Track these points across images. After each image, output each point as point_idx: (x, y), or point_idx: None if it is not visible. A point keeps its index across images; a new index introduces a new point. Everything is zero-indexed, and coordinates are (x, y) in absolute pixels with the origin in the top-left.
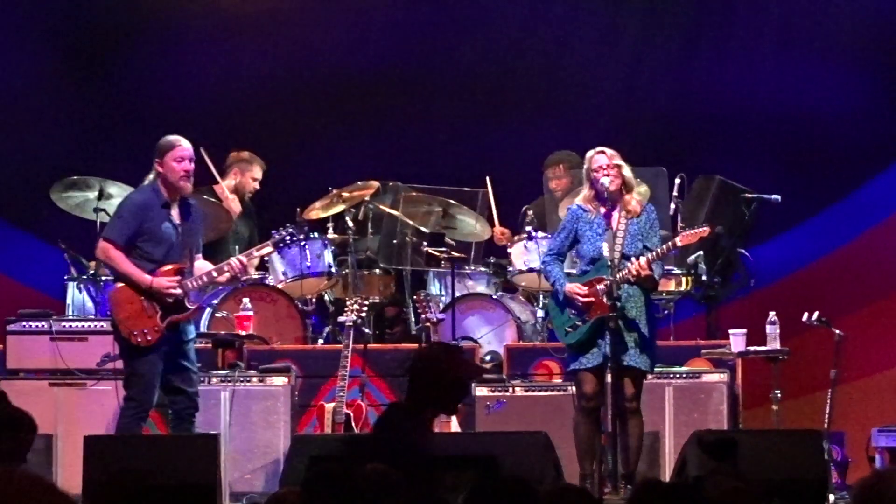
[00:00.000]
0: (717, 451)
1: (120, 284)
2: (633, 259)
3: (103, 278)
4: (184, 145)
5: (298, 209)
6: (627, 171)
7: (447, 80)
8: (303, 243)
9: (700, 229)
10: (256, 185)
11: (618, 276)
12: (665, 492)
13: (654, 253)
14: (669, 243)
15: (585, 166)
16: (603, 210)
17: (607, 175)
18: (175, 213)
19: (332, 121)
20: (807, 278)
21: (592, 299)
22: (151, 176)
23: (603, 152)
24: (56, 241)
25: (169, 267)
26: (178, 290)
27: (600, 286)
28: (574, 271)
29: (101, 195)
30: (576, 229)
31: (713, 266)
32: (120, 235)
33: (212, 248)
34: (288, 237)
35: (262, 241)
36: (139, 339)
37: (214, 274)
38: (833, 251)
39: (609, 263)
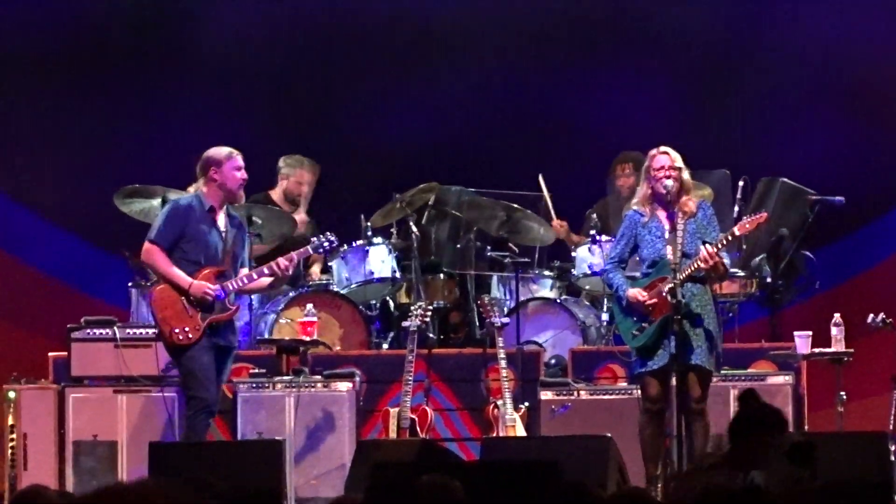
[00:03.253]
0: (797, 456)
1: (162, 285)
2: (701, 247)
3: None
4: (239, 155)
5: (363, 216)
6: (686, 174)
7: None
8: (366, 248)
9: (757, 215)
10: (305, 189)
11: (685, 270)
12: (731, 497)
13: (718, 242)
14: (729, 233)
15: (646, 164)
16: (660, 212)
17: (669, 176)
18: (221, 220)
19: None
20: (870, 280)
21: (656, 301)
22: (197, 185)
23: (667, 153)
24: (120, 249)
25: (209, 270)
26: (216, 291)
27: (663, 287)
28: (636, 275)
29: (164, 202)
30: (635, 234)
31: (777, 268)
32: (163, 238)
33: (280, 253)
34: (326, 243)
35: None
36: (180, 337)
37: (255, 276)
38: None
39: (671, 265)
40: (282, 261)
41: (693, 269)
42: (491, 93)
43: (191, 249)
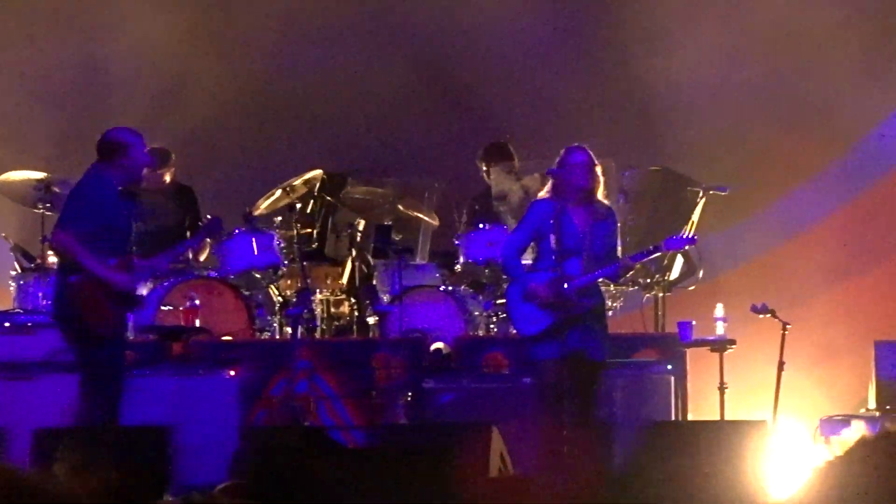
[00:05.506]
0: None
1: (78, 276)
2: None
3: (50, 267)
4: (142, 138)
5: (248, 208)
6: (599, 171)
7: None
8: (250, 235)
9: (687, 239)
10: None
11: (594, 272)
12: None
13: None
14: (655, 248)
15: (562, 158)
16: (572, 208)
17: (586, 174)
18: (128, 203)
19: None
20: (754, 269)
21: (556, 296)
22: (99, 168)
23: (585, 150)
24: None
25: (122, 258)
26: (135, 281)
27: (568, 284)
28: (528, 262)
29: (48, 188)
30: (541, 225)
31: (661, 257)
32: (76, 224)
33: (155, 239)
34: (213, 227)
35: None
36: (105, 329)
37: (164, 260)
38: (781, 243)
39: (581, 261)
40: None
41: (604, 275)
42: (378, 80)
43: (102, 233)
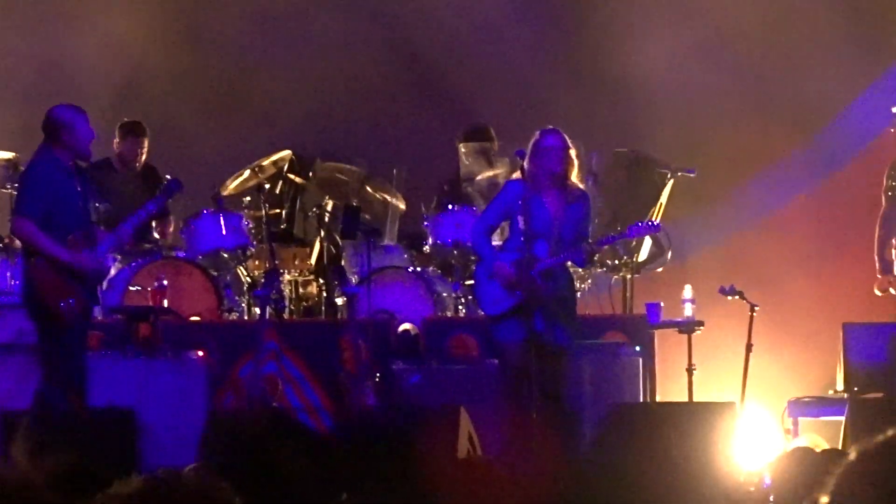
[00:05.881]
0: None
1: (39, 258)
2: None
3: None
4: (85, 114)
5: (216, 188)
6: (574, 154)
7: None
8: (218, 216)
9: (652, 226)
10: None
11: (561, 257)
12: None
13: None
14: (618, 235)
15: (535, 140)
16: (544, 191)
17: (559, 157)
18: (77, 180)
19: (247, 97)
20: (722, 251)
21: (520, 283)
22: (45, 148)
23: (559, 133)
24: None
25: (78, 235)
26: (98, 256)
27: (536, 266)
28: (498, 242)
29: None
30: (512, 205)
31: (629, 239)
32: (34, 209)
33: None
34: (171, 187)
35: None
36: (68, 309)
37: (122, 236)
38: (750, 225)
39: (548, 247)
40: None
41: (570, 258)
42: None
43: (59, 213)
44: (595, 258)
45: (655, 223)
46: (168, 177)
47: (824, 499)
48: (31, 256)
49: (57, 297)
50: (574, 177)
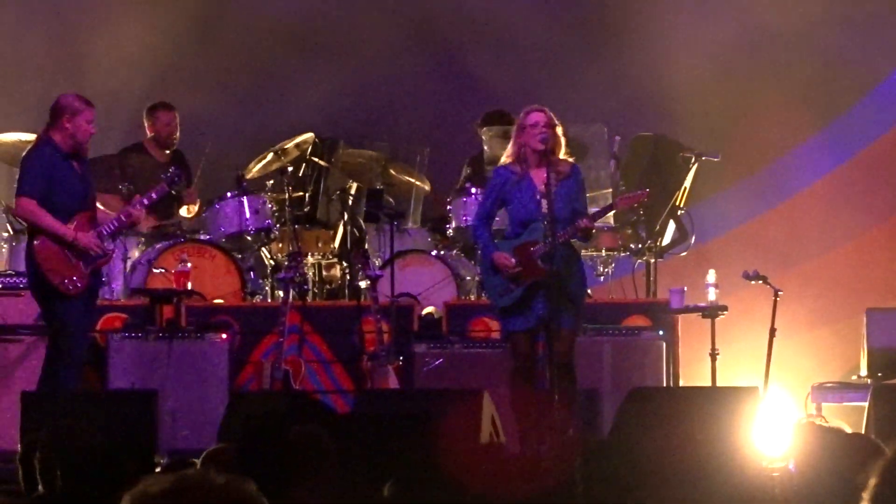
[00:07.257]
0: None
1: (41, 237)
2: (579, 221)
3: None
4: (93, 108)
5: (240, 171)
6: (560, 133)
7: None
8: (243, 199)
9: (639, 193)
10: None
11: (560, 237)
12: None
13: (595, 215)
14: (608, 206)
15: (520, 121)
16: (532, 171)
17: (543, 134)
18: (75, 164)
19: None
20: (745, 235)
21: (521, 269)
22: (46, 132)
23: (542, 110)
24: None
25: (81, 216)
26: (99, 237)
27: (533, 249)
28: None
29: None
30: (503, 192)
31: (653, 223)
32: (35, 189)
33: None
34: (175, 178)
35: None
36: (70, 287)
37: (123, 218)
38: (773, 209)
39: (543, 228)
40: (135, 206)
41: (566, 237)
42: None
43: (58, 196)
44: (593, 232)
45: (644, 189)
46: (172, 168)
47: (872, 480)
48: (34, 238)
49: (60, 276)
50: (562, 154)
